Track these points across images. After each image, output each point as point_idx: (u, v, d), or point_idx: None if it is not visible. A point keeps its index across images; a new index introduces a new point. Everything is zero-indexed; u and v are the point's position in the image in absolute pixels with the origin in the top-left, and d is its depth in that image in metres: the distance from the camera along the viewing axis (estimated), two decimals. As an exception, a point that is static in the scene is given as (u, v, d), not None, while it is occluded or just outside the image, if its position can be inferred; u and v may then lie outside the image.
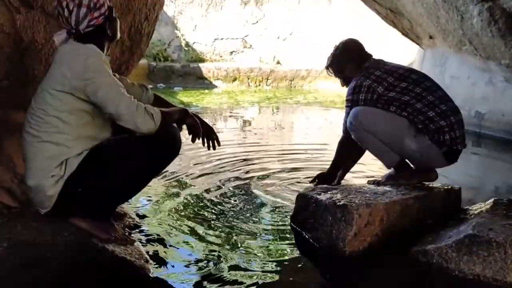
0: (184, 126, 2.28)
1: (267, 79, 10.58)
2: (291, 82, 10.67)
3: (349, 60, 3.00)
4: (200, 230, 2.68)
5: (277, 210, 3.02)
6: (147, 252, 2.31)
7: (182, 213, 2.91)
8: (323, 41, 9.97)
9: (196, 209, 3.00)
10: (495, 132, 5.63)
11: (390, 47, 9.32)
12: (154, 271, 2.16)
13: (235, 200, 3.17)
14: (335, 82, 3.16)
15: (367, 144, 2.87)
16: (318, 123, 7.09)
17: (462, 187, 2.93)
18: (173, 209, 2.97)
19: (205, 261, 2.32)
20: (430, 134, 2.74)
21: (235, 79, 10.43)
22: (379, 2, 6.49)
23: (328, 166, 3.16)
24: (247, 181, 3.60)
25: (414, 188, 2.74)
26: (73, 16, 2.09)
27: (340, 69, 3.04)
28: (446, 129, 2.73)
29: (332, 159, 3.14)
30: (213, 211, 2.99)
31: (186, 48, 10.98)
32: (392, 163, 2.87)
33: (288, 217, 2.82)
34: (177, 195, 3.25)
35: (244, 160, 4.28)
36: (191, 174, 3.76)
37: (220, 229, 2.70)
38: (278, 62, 11.04)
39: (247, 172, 3.84)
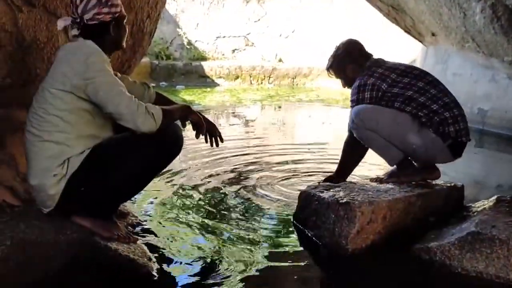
0: (188, 123, 2.28)
1: (269, 77, 10.57)
2: (293, 80, 10.66)
3: (350, 60, 2.99)
4: (203, 227, 2.68)
5: (279, 208, 3.02)
6: (150, 250, 2.31)
7: (185, 211, 2.91)
8: (325, 39, 9.97)
9: (198, 207, 3.00)
10: (498, 129, 5.62)
11: (392, 45, 9.31)
12: (157, 269, 2.16)
13: (237, 198, 3.17)
14: (337, 80, 3.16)
15: (370, 142, 2.87)
16: (320, 120, 7.08)
17: (465, 184, 2.93)
18: (176, 207, 2.98)
19: (208, 258, 2.32)
20: (434, 127, 2.74)
21: (237, 77, 10.42)
22: (381, -1, 6.48)
23: (328, 163, 3.16)
24: (249, 178, 3.60)
25: (416, 185, 2.74)
26: (82, 4, 2.11)
27: (342, 69, 3.04)
28: (450, 121, 2.73)
29: (337, 159, 3.13)
30: (216, 208, 2.99)
31: (188, 47, 10.98)
32: (395, 160, 2.86)
33: (291, 215, 2.82)
34: (180, 193, 3.25)
35: (247, 157, 4.27)
36: (193, 171, 3.76)
37: (222, 227, 2.70)
38: (280, 60, 11.04)
39: (249, 170, 3.84)
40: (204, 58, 10.93)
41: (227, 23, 11.13)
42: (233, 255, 2.36)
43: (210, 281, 2.11)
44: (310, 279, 2.27)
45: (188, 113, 2.22)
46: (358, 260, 2.33)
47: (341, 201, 2.42)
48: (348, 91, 3.08)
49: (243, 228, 2.71)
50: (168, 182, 3.46)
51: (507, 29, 4.57)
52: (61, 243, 2.04)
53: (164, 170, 2.49)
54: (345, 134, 3.06)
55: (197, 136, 2.27)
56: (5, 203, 2.34)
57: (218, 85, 10.17)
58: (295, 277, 2.23)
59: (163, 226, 2.68)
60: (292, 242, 2.57)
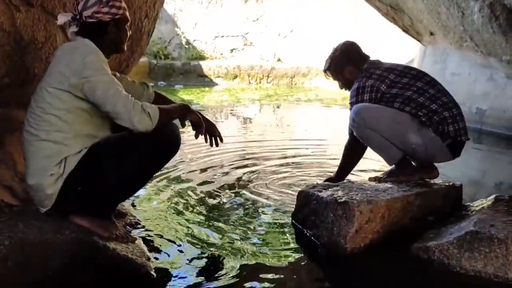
0: (187, 122, 2.28)
1: (268, 76, 10.58)
2: (291, 80, 10.67)
3: (347, 62, 3.00)
4: (202, 227, 2.68)
5: (278, 207, 3.02)
6: (149, 250, 2.31)
7: (183, 211, 2.91)
8: (323, 38, 9.99)
9: (197, 207, 3.00)
10: (496, 128, 5.63)
11: (392, 45, 9.31)
12: (156, 269, 2.16)
13: (236, 197, 3.17)
14: (335, 81, 3.16)
15: (370, 141, 2.87)
16: (319, 120, 7.09)
17: (463, 183, 2.93)
18: (174, 207, 2.98)
19: (206, 258, 2.32)
20: (433, 126, 2.75)
21: (235, 77, 10.43)
22: (380, -2, 6.48)
23: (327, 162, 3.16)
24: (248, 177, 3.60)
25: (415, 185, 2.74)
26: (83, 2, 2.12)
27: (339, 71, 3.04)
28: (449, 120, 2.74)
29: (336, 158, 3.13)
30: (214, 207, 2.99)
31: (186, 46, 10.98)
32: (394, 159, 2.86)
33: (289, 214, 2.82)
34: (178, 192, 3.25)
35: (245, 157, 4.28)
36: (192, 171, 3.76)
37: (221, 226, 2.70)
38: (278, 60, 11.04)
39: (248, 169, 3.84)
40: (202, 58, 10.93)
41: (225, 23, 11.13)
42: (231, 254, 2.36)
43: (209, 281, 2.11)
44: (308, 278, 2.27)
45: (187, 112, 2.22)
46: (356, 260, 2.34)
47: (339, 200, 2.42)
48: (346, 91, 3.08)
49: (241, 227, 2.71)
50: (166, 181, 3.46)
51: (505, 28, 4.58)
52: (59, 243, 2.04)
53: (162, 169, 2.48)
54: (343, 133, 3.06)
55: (196, 136, 2.27)
56: (3, 203, 2.34)
57: (217, 84, 10.18)
58: (294, 276, 2.24)
59: (162, 226, 2.68)
60: (290, 242, 2.57)
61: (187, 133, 2.92)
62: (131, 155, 2.09)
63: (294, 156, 4.40)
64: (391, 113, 2.79)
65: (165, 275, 2.16)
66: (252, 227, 2.72)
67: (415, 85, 2.80)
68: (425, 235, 2.41)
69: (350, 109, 2.90)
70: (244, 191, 3.30)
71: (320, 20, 10.97)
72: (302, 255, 2.47)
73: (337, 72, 3.06)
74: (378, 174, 3.07)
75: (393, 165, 2.91)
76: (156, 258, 2.27)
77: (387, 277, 2.22)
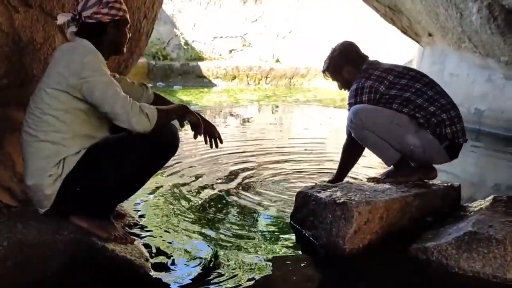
0: (186, 123, 2.28)
1: (267, 77, 10.58)
2: (290, 80, 10.67)
3: (346, 62, 3.00)
4: (200, 228, 2.68)
5: (276, 208, 3.02)
6: (147, 251, 2.31)
7: (182, 211, 2.91)
8: (322, 39, 9.98)
9: (195, 207, 3.00)
10: (494, 129, 5.63)
11: (391, 45, 9.31)
12: (154, 270, 2.16)
13: (235, 198, 3.17)
14: (334, 81, 3.16)
15: (368, 141, 2.87)
16: (317, 120, 7.09)
17: (462, 184, 2.93)
18: (173, 208, 2.97)
19: (205, 259, 2.32)
20: (431, 129, 2.75)
21: (234, 78, 10.43)
22: (378, -1, 6.49)
23: (325, 163, 3.16)
24: (246, 178, 3.60)
25: (413, 185, 2.74)
26: (82, 2, 2.12)
27: (338, 72, 3.04)
28: (447, 123, 2.75)
29: (334, 158, 3.14)
30: (213, 208, 2.99)
31: (185, 47, 10.98)
32: (393, 160, 2.87)
33: (288, 215, 2.82)
34: (177, 193, 3.25)
35: (244, 157, 4.28)
36: (190, 171, 3.76)
37: (219, 227, 2.70)
38: (277, 60, 11.04)
39: (246, 170, 3.84)
40: (201, 59, 10.93)
41: (224, 24, 11.13)
42: (230, 255, 2.36)
43: (207, 282, 2.11)
44: (307, 279, 2.26)
45: (186, 113, 2.22)
46: (355, 260, 2.34)
47: (338, 201, 2.43)
48: (345, 92, 3.08)
49: (240, 228, 2.71)
50: (165, 182, 3.46)
51: (503, 29, 4.59)
52: (58, 243, 2.04)
53: (161, 169, 2.48)
54: (342, 134, 3.07)
55: (195, 137, 2.27)
56: (2, 204, 2.34)
57: (215, 85, 10.17)
58: (294, 278, 2.24)
59: (160, 227, 2.68)
60: (289, 243, 2.57)
61: (185, 133, 2.93)
62: (129, 156, 2.09)
63: (292, 157, 4.40)
64: (389, 114, 2.79)
65: (163, 276, 2.16)
66: (250, 228, 2.72)
67: (413, 86, 2.80)
68: (424, 235, 2.41)
69: (349, 109, 2.91)
70: (242, 192, 3.30)
71: (319, 20, 10.98)
72: (301, 256, 2.47)
73: (336, 72, 3.06)
74: (377, 175, 3.07)
75: (392, 166, 2.92)
76: (155, 259, 2.26)
77: (386, 277, 2.23)
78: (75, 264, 2.01)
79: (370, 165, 3.89)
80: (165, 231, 2.63)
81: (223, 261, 2.29)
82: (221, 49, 11.21)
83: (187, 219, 2.80)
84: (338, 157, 3.17)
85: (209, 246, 2.47)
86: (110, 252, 2.09)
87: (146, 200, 3.09)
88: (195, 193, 3.26)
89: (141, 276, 2.09)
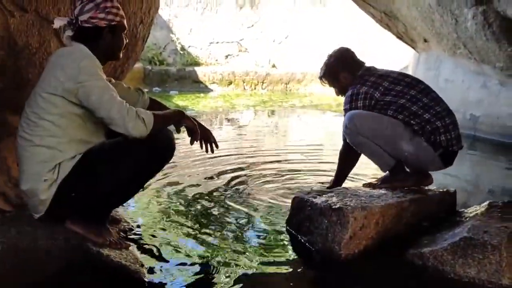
0: (182, 128, 2.28)
1: (263, 82, 10.59)
2: (286, 86, 10.68)
3: (342, 68, 3.01)
4: (195, 234, 2.67)
5: (272, 213, 3.02)
6: (142, 256, 2.30)
7: (177, 217, 2.90)
8: (318, 44, 10.02)
9: (191, 213, 2.99)
10: (489, 135, 5.65)
11: (389, 47, 9.32)
12: (149, 275, 2.15)
13: (230, 203, 3.16)
14: (330, 87, 3.17)
15: (363, 147, 2.88)
16: (313, 126, 7.10)
17: (457, 189, 2.94)
18: (168, 213, 2.96)
19: (200, 265, 2.31)
20: (426, 136, 2.76)
21: (230, 83, 10.43)
22: (374, 5, 6.51)
23: (321, 168, 3.17)
24: (242, 183, 3.60)
25: (409, 191, 2.75)
26: (79, 6, 2.12)
27: (335, 78, 3.05)
28: (441, 130, 2.75)
29: (330, 163, 3.14)
30: (208, 215, 2.98)
31: (181, 52, 10.99)
32: (388, 166, 2.87)
33: (284, 220, 2.81)
34: (172, 199, 3.24)
35: (240, 162, 4.27)
36: (186, 177, 3.75)
37: (215, 233, 2.69)
38: (273, 66, 11.06)
39: (242, 175, 3.84)
40: (197, 64, 10.94)
41: (220, 29, 11.15)
42: (225, 261, 2.35)
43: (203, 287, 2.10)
44: (303, 284, 2.26)
45: (182, 118, 2.22)
46: (351, 266, 2.33)
47: (334, 207, 2.42)
48: (342, 98, 3.09)
49: (235, 233, 2.70)
50: (160, 187, 3.45)
51: (498, 36, 4.61)
52: (53, 249, 2.03)
53: (157, 175, 2.48)
54: (338, 139, 3.07)
55: (191, 142, 2.27)
56: (-4, 209, 2.33)
57: (212, 90, 10.18)
58: (291, 284, 2.23)
59: (155, 232, 2.67)
60: (285, 248, 2.57)
61: (181, 138, 2.92)
62: (125, 161, 2.08)
63: (288, 162, 4.40)
64: (384, 120, 2.80)
65: (158, 282, 2.15)
66: (246, 233, 2.72)
67: (408, 93, 2.81)
68: (420, 241, 2.41)
69: (344, 115, 2.91)
70: (238, 197, 3.29)
71: (316, 26, 11.01)
72: (297, 261, 2.46)
73: (333, 78, 3.07)
74: (372, 180, 3.08)
75: (387, 172, 2.92)
76: (149, 265, 2.25)
77: (381, 283, 2.22)
78: (70, 269, 2.00)
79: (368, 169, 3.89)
80: (161, 236, 2.62)
81: (218, 267, 2.28)
82: (218, 54, 11.23)
83: (182, 224, 2.79)
84: (334, 162, 3.17)
85: (204, 251, 2.46)
86: (105, 258, 2.08)
87: (142, 206, 3.08)
88: (190, 198, 3.25)
89: (136, 281, 2.08)
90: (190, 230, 2.71)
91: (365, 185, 2.96)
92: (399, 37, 7.16)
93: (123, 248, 2.21)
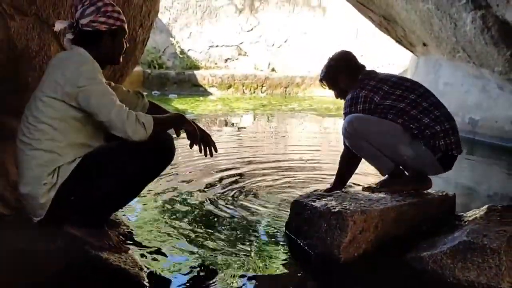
0: (182, 132, 2.28)
1: (262, 86, 10.60)
2: (286, 89, 10.70)
3: (343, 71, 3.02)
4: (195, 237, 2.66)
5: (271, 217, 3.02)
6: (142, 260, 2.30)
7: (177, 221, 2.90)
8: (318, 48, 10.03)
9: (190, 217, 2.99)
10: (488, 138, 5.66)
11: (389, 49, 9.33)
12: (149, 279, 2.15)
13: (229, 207, 3.16)
14: (330, 90, 3.18)
15: (362, 150, 2.88)
16: (312, 130, 7.10)
17: (457, 193, 2.94)
18: (167, 217, 2.96)
19: (200, 269, 2.31)
20: (425, 140, 2.76)
21: (230, 86, 10.44)
22: (373, 9, 6.53)
23: (320, 172, 3.17)
24: (241, 187, 3.59)
25: (408, 194, 2.75)
26: (80, 9, 2.12)
27: (335, 81, 3.06)
28: (441, 135, 2.75)
29: (330, 167, 3.15)
30: (208, 218, 2.98)
31: (181, 56, 10.99)
32: (387, 170, 2.87)
33: (283, 224, 2.81)
34: (171, 202, 3.24)
35: (239, 166, 4.27)
36: (185, 180, 3.75)
37: (214, 237, 2.69)
38: (273, 69, 11.08)
39: (241, 178, 3.83)
40: (196, 67, 10.95)
41: (220, 33, 11.17)
42: (224, 265, 2.35)
43: (202, 291, 2.10)
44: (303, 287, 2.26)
45: (182, 122, 2.22)
46: (350, 269, 2.33)
47: (333, 210, 2.42)
48: (340, 101, 3.10)
49: (234, 237, 2.70)
50: (159, 190, 3.45)
51: (497, 40, 4.62)
52: (52, 252, 2.03)
53: (156, 179, 2.47)
54: (337, 143, 3.07)
55: (191, 146, 2.27)
56: (-5, 212, 2.32)
57: (211, 94, 10.19)
58: (287, 287, 2.23)
59: (155, 236, 2.66)
60: (284, 252, 2.57)
61: (180, 141, 2.91)
62: (125, 165, 2.08)
63: (287, 166, 4.40)
64: (384, 124, 2.80)
65: (158, 285, 2.14)
66: (245, 237, 2.71)
67: (408, 97, 2.81)
68: (419, 245, 2.41)
69: (344, 119, 2.91)
70: (237, 201, 3.29)
71: (315, 29, 11.04)
72: (296, 265, 2.46)
73: (333, 81, 3.07)
74: (372, 184, 3.08)
75: (386, 175, 2.92)
76: (149, 268, 2.25)
77: (381, 287, 2.22)
78: (68, 273, 2.00)
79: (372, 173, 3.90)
80: (160, 240, 2.61)
81: (217, 271, 2.27)
82: (217, 58, 11.24)
83: (181, 227, 2.79)
84: (333, 165, 3.17)
85: (203, 255, 2.45)
86: (104, 261, 2.07)
87: (141, 209, 3.07)
88: (189, 202, 3.25)
89: (135, 285, 2.08)
90: (189, 233, 2.71)
91: (364, 189, 2.96)
92: (398, 41, 7.18)
93: (122, 251, 2.21)
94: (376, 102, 2.82)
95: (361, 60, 3.11)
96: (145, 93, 2.61)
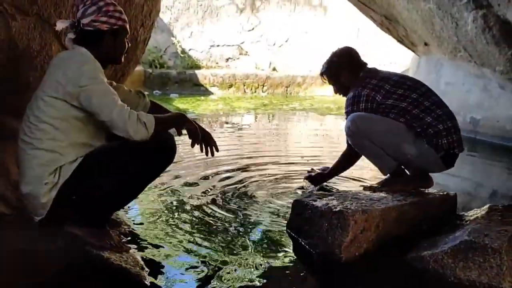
0: (183, 131, 2.28)
1: (263, 85, 10.60)
2: (287, 89, 10.70)
3: (345, 68, 3.02)
4: (196, 237, 2.67)
5: (272, 216, 3.02)
6: (143, 259, 2.30)
7: (178, 220, 2.90)
8: (319, 47, 10.03)
9: (191, 216, 2.99)
10: (490, 138, 5.66)
11: (391, 47, 9.33)
12: (150, 279, 2.15)
13: (230, 206, 3.16)
14: (331, 89, 3.18)
15: (364, 149, 2.88)
16: (313, 129, 7.10)
17: (458, 193, 2.94)
18: (169, 216, 2.96)
19: (201, 268, 2.31)
20: (428, 139, 2.76)
21: (231, 86, 10.45)
22: (374, 9, 6.53)
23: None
24: (242, 186, 3.59)
25: (409, 194, 2.74)
26: (82, 9, 2.13)
27: (336, 76, 3.06)
28: (443, 133, 2.76)
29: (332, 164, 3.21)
30: (209, 217, 2.98)
31: (182, 55, 11.00)
32: (389, 169, 2.88)
33: (284, 223, 2.81)
34: (173, 202, 3.24)
35: (240, 165, 4.27)
36: (187, 180, 3.75)
37: (215, 236, 2.69)
38: (274, 69, 11.08)
39: (242, 178, 3.83)
40: (198, 67, 10.95)
41: (221, 32, 11.17)
42: (226, 264, 2.35)
43: (203, 290, 2.10)
44: (304, 287, 2.26)
45: (183, 122, 2.22)
46: (351, 269, 2.33)
47: (334, 210, 2.42)
48: (341, 100, 3.10)
49: (236, 236, 2.70)
50: (161, 190, 3.45)
51: (498, 39, 4.62)
52: (52, 252, 2.03)
53: (157, 178, 2.48)
54: (338, 142, 3.08)
55: (192, 145, 2.27)
56: (-4, 212, 2.32)
57: (212, 93, 10.19)
58: (288, 286, 2.23)
59: (156, 235, 2.67)
60: (285, 251, 2.57)
61: (182, 141, 2.91)
62: (126, 164, 2.08)
63: (288, 165, 4.40)
64: (386, 122, 2.80)
65: (159, 285, 2.14)
66: (246, 236, 2.71)
67: (410, 96, 2.81)
68: (420, 244, 2.41)
69: (346, 118, 2.91)
70: (238, 200, 3.29)
71: (316, 29, 11.04)
72: (297, 264, 2.46)
73: (333, 76, 3.07)
74: (373, 183, 3.08)
75: (388, 175, 2.92)
76: (150, 268, 2.25)
77: (382, 286, 2.22)
78: (69, 273, 2.00)
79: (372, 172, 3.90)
80: (161, 239, 2.61)
81: (218, 270, 2.28)
82: (218, 57, 11.25)
83: (183, 227, 2.79)
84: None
85: (204, 254, 2.46)
86: (105, 261, 2.07)
87: (142, 208, 3.08)
88: (190, 202, 3.25)
89: (136, 284, 2.08)
90: (191, 233, 2.71)
91: (365, 188, 2.96)
92: (400, 40, 7.18)
93: (123, 251, 2.21)
94: (378, 101, 2.82)
95: (362, 59, 3.11)
96: (146, 93, 2.61)
